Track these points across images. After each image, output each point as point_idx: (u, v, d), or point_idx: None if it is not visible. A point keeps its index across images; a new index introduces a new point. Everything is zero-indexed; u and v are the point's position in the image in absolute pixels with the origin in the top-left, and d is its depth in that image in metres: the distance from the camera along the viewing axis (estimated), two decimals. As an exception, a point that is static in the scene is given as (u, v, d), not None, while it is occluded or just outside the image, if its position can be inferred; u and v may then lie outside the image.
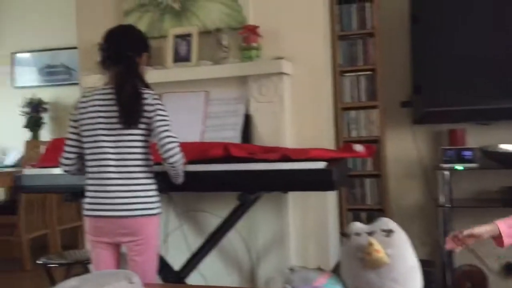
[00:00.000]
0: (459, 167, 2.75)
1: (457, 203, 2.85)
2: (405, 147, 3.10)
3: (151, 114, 1.98)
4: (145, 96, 1.99)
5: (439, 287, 2.71)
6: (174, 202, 2.78)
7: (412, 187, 3.11)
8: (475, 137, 2.92)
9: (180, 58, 2.80)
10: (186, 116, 2.69)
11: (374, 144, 2.99)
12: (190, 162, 2.16)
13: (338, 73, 3.06)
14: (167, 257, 2.51)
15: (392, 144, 3.12)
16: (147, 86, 2.07)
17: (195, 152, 2.30)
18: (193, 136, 2.61)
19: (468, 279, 2.88)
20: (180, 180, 2.10)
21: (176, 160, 1.99)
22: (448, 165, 2.77)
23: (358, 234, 1.60)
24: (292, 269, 1.74)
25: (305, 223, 2.72)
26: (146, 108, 1.97)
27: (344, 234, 1.64)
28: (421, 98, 2.84)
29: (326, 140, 2.86)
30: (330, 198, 2.85)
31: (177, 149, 1.99)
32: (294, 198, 2.70)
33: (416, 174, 3.09)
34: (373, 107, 3.01)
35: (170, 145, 1.97)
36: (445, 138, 2.97)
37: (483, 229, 1.70)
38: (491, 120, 2.90)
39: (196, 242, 2.57)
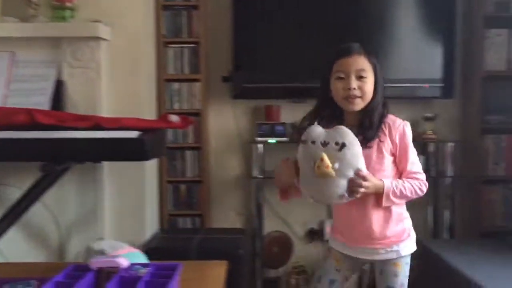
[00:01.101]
0: (272, 140, 2.93)
1: (269, 175, 3.04)
2: (225, 121, 3.20)
3: None
4: None
5: (249, 253, 2.87)
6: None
7: (231, 160, 3.23)
8: (289, 113, 3.13)
9: (-20, 11, 2.47)
10: (-15, 78, 2.39)
11: (195, 117, 3.04)
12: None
13: (162, 43, 3.01)
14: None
15: (214, 118, 3.20)
16: None
17: (-6, 117, 2.06)
18: (-8, 100, 2.34)
19: (275, 244, 3.11)
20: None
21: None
22: (262, 138, 2.93)
23: (314, 142, 1.67)
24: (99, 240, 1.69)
25: (121, 196, 2.65)
26: None
27: (302, 141, 1.69)
28: (240, 74, 2.95)
29: (147, 111, 2.81)
30: (148, 170, 2.81)
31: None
32: (110, 170, 2.61)
33: (235, 147, 3.21)
34: (196, 80, 3.04)
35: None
36: (262, 113, 3.14)
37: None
38: (303, 97, 3.13)
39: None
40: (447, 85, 3.02)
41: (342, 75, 1.76)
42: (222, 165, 3.23)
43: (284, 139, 2.95)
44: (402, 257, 1.78)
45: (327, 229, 3.19)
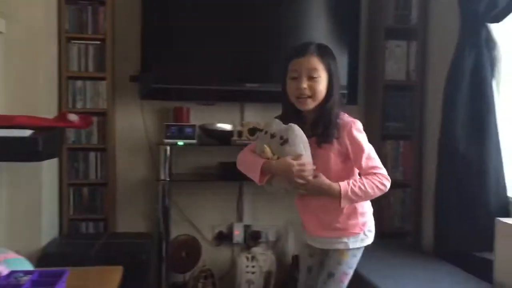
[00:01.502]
0: (180, 142, 2.88)
1: (177, 177, 3.00)
2: (133, 121, 3.10)
3: None
4: None
5: (155, 258, 2.80)
6: None
7: (138, 162, 3.13)
8: (199, 116, 3.10)
9: None
10: None
11: (100, 117, 2.92)
12: None
13: (65, 39, 2.87)
14: None
15: (120, 118, 3.09)
16: None
17: None
18: None
19: (183, 248, 3.06)
20: None
21: None
22: (170, 140, 2.87)
23: (266, 133, 1.81)
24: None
25: (15, 200, 2.48)
26: None
27: (260, 129, 1.92)
28: (149, 74, 2.88)
29: (47, 109, 2.65)
30: (47, 172, 2.66)
31: None
32: (2, 171, 2.43)
33: (143, 149, 3.12)
34: (101, 78, 2.92)
35: None
36: (171, 115, 3.08)
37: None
38: (212, 100, 3.12)
39: None
40: (351, 92, 3.13)
41: (295, 75, 1.81)
42: (128, 167, 3.12)
43: (193, 141, 2.91)
44: (350, 249, 1.85)
45: (236, 232, 3.20)
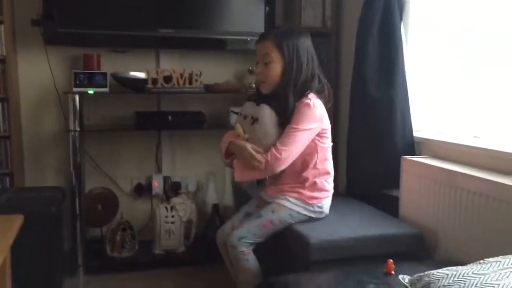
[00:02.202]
0: (90, 91, 2.73)
1: (90, 128, 2.86)
2: (38, 69, 2.89)
3: None
4: None
5: (69, 212, 2.69)
6: None
7: (46, 113, 2.95)
8: (110, 63, 2.95)
9: None
10: None
11: (0, 64, 2.70)
12: None
13: (-47, -24, 2.58)
14: None
15: (24, 66, 2.87)
16: None
17: None
18: None
19: (99, 201, 2.96)
20: None
21: None
22: (80, 89, 2.72)
23: (240, 114, 2.08)
24: None
25: None
26: None
27: (235, 112, 2.16)
28: (53, 18, 2.67)
29: None
30: None
31: None
32: None
33: (51, 99, 2.93)
34: (-1, 22, 2.67)
35: None
36: (80, 62, 2.90)
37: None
38: (125, 47, 2.97)
39: None
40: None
41: (257, 60, 2.01)
42: (35, 118, 2.94)
43: (105, 89, 2.77)
44: (288, 207, 2.00)
45: (155, 184, 3.14)
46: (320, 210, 2.07)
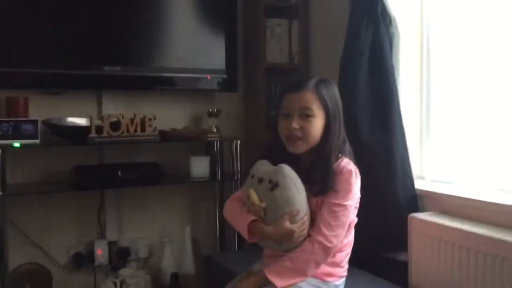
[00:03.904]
0: (16, 143, 2.18)
1: (15, 191, 2.29)
2: None
3: None
4: None
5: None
6: None
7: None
8: (41, 108, 2.41)
9: None
10: None
11: None
12: None
13: None
14: None
15: None
16: None
17: None
18: None
19: (27, 280, 2.36)
20: None
21: None
22: (2, 141, 2.16)
23: (253, 177, 1.63)
24: None
25: None
26: None
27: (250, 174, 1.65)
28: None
29: None
30: None
31: None
32: None
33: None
34: None
35: None
36: (2, 107, 2.34)
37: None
38: (59, 87, 2.45)
39: None
40: (230, 78, 2.72)
41: (287, 112, 1.61)
42: None
43: (35, 141, 2.22)
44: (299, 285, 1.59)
45: (98, 252, 2.57)
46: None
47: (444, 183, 2.05)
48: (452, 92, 2.06)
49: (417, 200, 2.04)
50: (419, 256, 1.90)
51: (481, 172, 1.91)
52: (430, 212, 1.97)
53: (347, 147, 1.69)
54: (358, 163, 1.70)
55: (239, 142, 2.66)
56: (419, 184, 2.07)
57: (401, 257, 2.02)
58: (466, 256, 1.70)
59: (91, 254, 2.57)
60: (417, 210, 2.01)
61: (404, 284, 1.94)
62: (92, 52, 2.41)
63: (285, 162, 1.61)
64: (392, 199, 2.02)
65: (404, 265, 1.98)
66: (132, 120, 2.35)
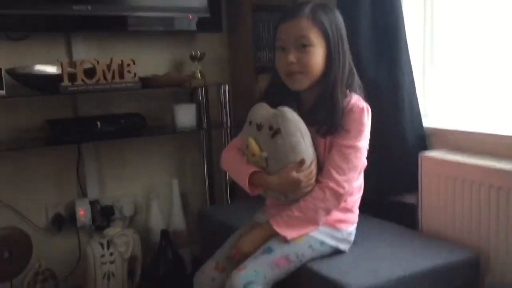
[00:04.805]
0: (-23, 96, 1.93)
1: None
2: None
3: None
4: None
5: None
6: None
7: None
8: (5, 56, 2.15)
9: None
10: None
11: None
12: None
13: None
14: None
15: None
16: None
17: None
18: None
19: (5, 246, 2.14)
20: None
21: None
22: (-38, 93, 1.91)
23: (250, 123, 1.48)
24: None
25: None
26: None
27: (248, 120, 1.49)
28: None
29: None
30: None
31: None
32: None
33: None
34: None
35: None
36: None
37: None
38: (24, 31, 2.18)
39: None
40: (213, 17, 2.48)
41: (282, 45, 1.45)
42: None
43: (0, 92, 1.98)
44: (310, 234, 1.47)
45: (80, 212, 2.38)
46: (348, 238, 1.52)
47: (449, 120, 1.91)
48: (457, 20, 1.88)
49: (425, 139, 1.90)
50: (431, 197, 1.77)
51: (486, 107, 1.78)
52: (440, 150, 1.83)
53: (356, 80, 1.53)
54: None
55: (227, 87, 2.46)
56: (424, 122, 1.92)
57: (408, 199, 1.89)
58: (478, 191, 1.59)
59: (72, 215, 2.38)
60: (426, 148, 1.88)
61: (413, 227, 1.82)
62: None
63: (286, 104, 1.45)
64: (400, 138, 1.87)
65: (411, 207, 1.86)
66: (108, 66, 2.11)
